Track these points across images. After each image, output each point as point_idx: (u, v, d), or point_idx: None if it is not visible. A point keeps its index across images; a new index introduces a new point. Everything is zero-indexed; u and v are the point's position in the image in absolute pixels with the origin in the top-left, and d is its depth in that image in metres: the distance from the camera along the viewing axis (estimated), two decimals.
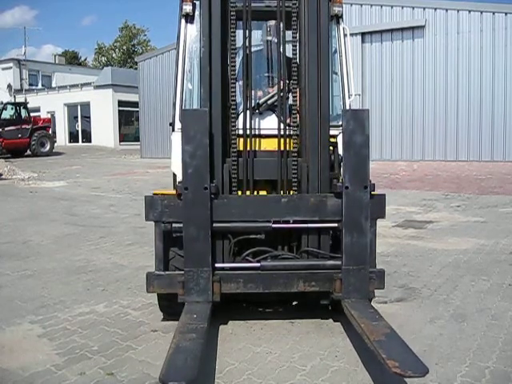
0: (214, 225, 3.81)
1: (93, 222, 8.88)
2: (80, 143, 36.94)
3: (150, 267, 5.68)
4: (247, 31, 4.15)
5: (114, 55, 57.94)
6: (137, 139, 30.23)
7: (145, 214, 3.80)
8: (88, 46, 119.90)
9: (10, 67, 40.45)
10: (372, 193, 3.83)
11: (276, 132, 4.05)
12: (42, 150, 27.17)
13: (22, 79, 40.87)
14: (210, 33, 3.98)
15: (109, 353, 3.61)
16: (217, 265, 3.88)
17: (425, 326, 4.10)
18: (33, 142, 26.77)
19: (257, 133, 4.22)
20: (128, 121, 37.32)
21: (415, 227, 8.14)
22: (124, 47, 56.78)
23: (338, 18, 4.66)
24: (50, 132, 29.14)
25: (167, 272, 3.92)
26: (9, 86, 38.32)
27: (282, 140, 4.02)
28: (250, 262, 3.94)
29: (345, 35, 4.78)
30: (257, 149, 4.15)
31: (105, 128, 35.12)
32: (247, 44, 4.19)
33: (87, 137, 37.12)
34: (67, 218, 9.41)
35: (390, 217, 8.66)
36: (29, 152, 27.01)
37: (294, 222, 3.92)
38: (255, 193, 4.08)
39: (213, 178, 3.84)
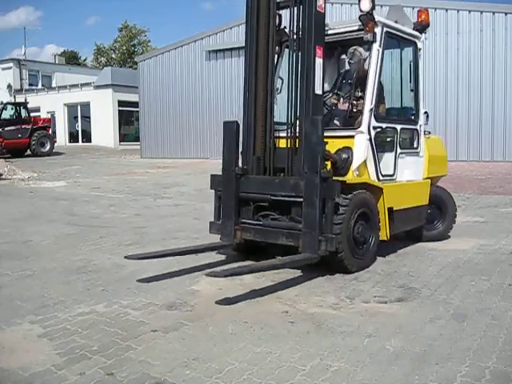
0: (239, 194, 5.82)
1: (93, 222, 8.88)
2: (80, 143, 36.94)
3: (150, 267, 5.71)
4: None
5: (113, 55, 57.93)
6: (137, 139, 30.24)
7: (210, 185, 6.19)
8: (91, 46, 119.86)
9: (10, 67, 40.46)
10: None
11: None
12: (42, 150, 27.15)
13: (21, 79, 40.87)
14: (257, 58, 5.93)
15: (109, 353, 3.60)
16: (240, 220, 5.86)
17: (425, 325, 4.09)
18: (33, 142, 26.76)
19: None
20: (128, 121, 37.32)
21: None
22: (124, 47, 56.75)
23: (370, 42, 6.03)
24: (50, 132, 29.11)
25: (217, 221, 6.05)
26: (9, 86, 38.33)
27: (289, 140, 5.75)
28: (259, 220, 5.81)
29: (418, 56, 6.84)
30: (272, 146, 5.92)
31: (105, 128, 35.13)
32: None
33: (87, 137, 37.12)
34: (67, 217, 9.41)
35: None
36: (29, 152, 27.00)
37: (283, 196, 5.55)
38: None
39: (244, 164, 5.92)
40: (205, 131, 25.04)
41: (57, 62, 48.17)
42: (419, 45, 6.90)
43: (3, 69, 40.37)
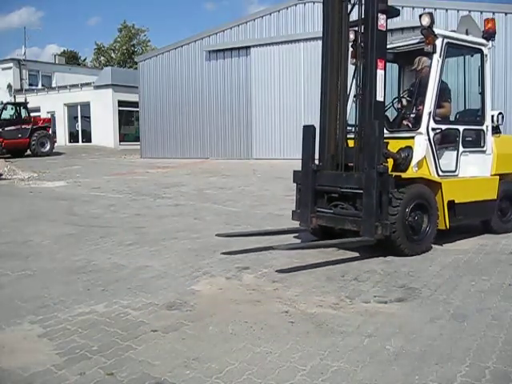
0: (315, 187, 6.73)
1: (93, 222, 8.88)
2: (80, 143, 36.96)
3: (150, 267, 5.71)
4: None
5: (112, 55, 57.93)
6: (137, 139, 30.24)
7: (292, 179, 7.13)
8: (91, 46, 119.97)
9: (10, 67, 40.47)
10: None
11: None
12: (42, 150, 27.16)
13: (21, 79, 40.88)
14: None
15: (109, 353, 3.61)
16: (316, 208, 6.75)
17: (425, 325, 4.09)
18: (33, 142, 26.77)
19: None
20: (128, 121, 37.34)
21: None
22: (124, 47, 56.75)
23: (431, 53, 6.80)
24: (50, 132, 29.13)
25: (297, 210, 6.98)
26: (9, 86, 38.34)
27: (356, 141, 6.55)
28: (330, 209, 6.68)
29: (485, 62, 7.48)
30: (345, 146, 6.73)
31: (105, 128, 35.14)
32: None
33: (87, 137, 37.13)
34: (67, 217, 9.41)
35: None
36: (29, 152, 27.01)
37: (349, 188, 6.44)
38: None
39: (320, 161, 6.80)
40: (205, 131, 25.05)
41: (57, 61, 48.18)
42: (485, 51, 7.51)
43: (3, 69, 40.39)
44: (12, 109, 27.57)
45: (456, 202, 6.92)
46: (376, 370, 3.33)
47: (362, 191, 6.17)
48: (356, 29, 6.74)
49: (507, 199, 7.90)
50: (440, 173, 6.90)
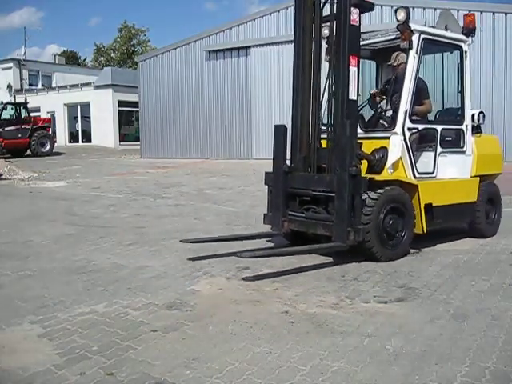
0: (287, 189, 6.49)
1: (93, 222, 8.88)
2: (80, 143, 36.96)
3: (150, 267, 5.71)
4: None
5: (112, 55, 57.93)
6: (137, 139, 30.24)
7: (264, 181, 6.87)
8: (92, 46, 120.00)
9: (10, 67, 40.48)
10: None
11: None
12: (42, 150, 27.16)
13: (22, 79, 40.89)
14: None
15: (109, 353, 3.61)
16: (288, 212, 6.50)
17: (425, 325, 4.09)
18: (33, 142, 26.76)
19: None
20: (128, 121, 37.34)
21: None
22: (123, 47, 56.75)
23: (407, 49, 6.54)
24: (50, 132, 29.12)
25: (269, 213, 6.71)
26: (9, 86, 38.35)
27: (328, 141, 6.35)
28: (302, 212, 6.43)
29: (464, 59, 7.26)
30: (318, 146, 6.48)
31: (105, 128, 35.15)
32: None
33: (87, 137, 37.13)
34: (67, 217, 9.42)
35: None
36: (29, 152, 27.00)
37: (321, 191, 6.20)
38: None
39: (292, 162, 6.57)
40: (205, 131, 25.04)
41: (57, 62, 48.18)
42: (465, 48, 7.26)
43: (3, 69, 40.40)
44: (12, 109, 27.56)
45: (434, 204, 6.67)
46: (376, 370, 3.33)
47: (333, 194, 5.98)
48: (330, 24, 6.47)
49: (490, 201, 7.68)
50: (417, 175, 6.64)
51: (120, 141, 35.70)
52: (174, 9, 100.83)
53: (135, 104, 29.31)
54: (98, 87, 35.48)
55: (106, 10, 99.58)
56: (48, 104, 36.64)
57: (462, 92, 7.31)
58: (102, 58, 58.69)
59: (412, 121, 6.57)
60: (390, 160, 6.42)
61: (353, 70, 6.08)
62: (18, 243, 7.17)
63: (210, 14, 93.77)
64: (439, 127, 6.96)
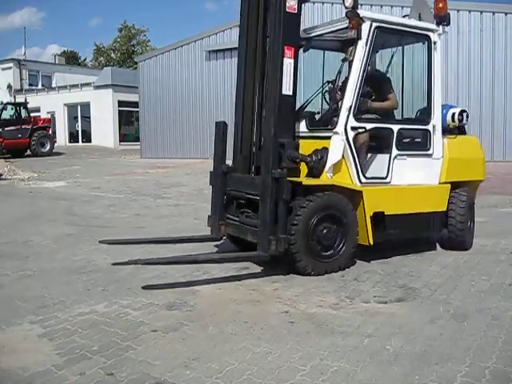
0: (225, 191, 6.19)
1: (93, 222, 8.88)
2: (80, 143, 36.97)
3: (151, 267, 5.69)
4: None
5: (112, 55, 57.95)
6: (137, 139, 30.25)
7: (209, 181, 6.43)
8: (91, 47, 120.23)
9: (10, 67, 40.49)
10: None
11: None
12: (42, 150, 27.17)
13: (22, 79, 40.90)
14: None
15: (109, 353, 3.61)
16: (226, 215, 6.19)
17: (425, 325, 4.10)
18: (33, 142, 26.77)
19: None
20: (128, 121, 37.35)
21: None
22: (123, 48, 56.77)
23: (356, 40, 5.87)
24: (50, 132, 29.12)
25: (211, 215, 6.30)
26: (9, 86, 38.37)
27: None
28: (238, 216, 6.06)
29: (433, 51, 6.44)
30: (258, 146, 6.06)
31: (105, 128, 35.15)
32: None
33: (87, 137, 37.14)
34: (67, 217, 9.42)
35: None
36: (29, 152, 27.01)
37: (252, 194, 5.80)
38: None
39: (233, 162, 6.32)
40: (205, 131, 25.02)
41: (57, 62, 48.20)
42: (434, 38, 6.45)
43: (3, 69, 40.41)
44: (12, 109, 27.57)
45: (387, 213, 5.96)
46: (376, 370, 3.33)
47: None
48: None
49: (470, 210, 6.83)
50: (363, 179, 5.90)
51: (120, 141, 35.71)
52: (173, 9, 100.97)
53: (135, 104, 29.32)
54: (97, 87, 35.49)
55: (106, 10, 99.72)
56: (48, 104, 36.66)
57: (429, 88, 6.49)
58: (102, 58, 58.70)
59: (358, 119, 5.88)
60: (329, 162, 5.76)
61: (288, 62, 5.56)
62: (17, 243, 7.17)
63: (209, 13, 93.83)
64: (395, 127, 6.17)
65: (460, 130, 6.99)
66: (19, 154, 25.98)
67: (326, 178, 5.75)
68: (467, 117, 6.87)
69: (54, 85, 41.49)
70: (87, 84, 36.47)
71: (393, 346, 3.68)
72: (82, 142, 37.31)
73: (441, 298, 4.74)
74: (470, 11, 17.94)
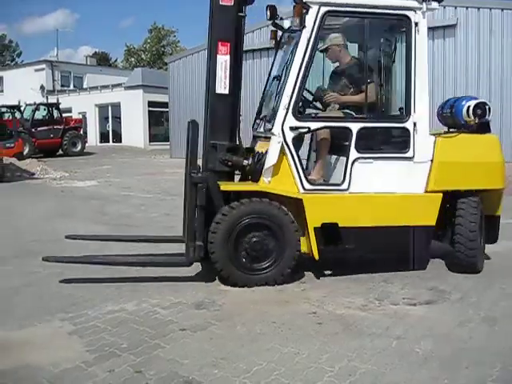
0: None
1: (123, 221, 8.96)
2: (110, 143, 37.31)
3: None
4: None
5: (143, 56, 58.45)
6: (166, 139, 30.39)
7: None
8: (123, 48, 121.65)
9: (43, 69, 41.04)
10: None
11: None
12: (74, 150, 27.51)
13: (54, 80, 41.44)
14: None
15: (137, 351, 3.64)
16: None
17: (455, 328, 4.05)
18: (65, 142, 27.12)
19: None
20: (158, 121, 37.57)
21: None
22: (154, 48, 57.21)
23: (300, 29, 5.24)
24: (82, 132, 29.48)
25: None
26: (41, 87, 38.90)
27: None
28: None
29: (413, 33, 5.37)
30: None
31: (135, 128, 35.42)
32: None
33: (117, 137, 37.48)
34: (98, 216, 9.52)
35: None
36: (61, 152, 27.38)
37: None
38: None
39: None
40: None
41: (88, 63, 48.77)
42: (415, 18, 5.36)
43: (36, 70, 40.99)
44: (44, 109, 27.97)
45: (341, 225, 5.24)
46: (404, 372, 3.30)
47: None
48: None
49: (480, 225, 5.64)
50: (307, 186, 5.26)
51: (150, 141, 35.95)
52: (203, 10, 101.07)
53: (165, 104, 29.46)
54: (128, 88, 35.79)
55: (137, 11, 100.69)
56: (79, 105, 37.09)
57: (408, 79, 5.44)
58: (133, 59, 59.20)
59: (299, 118, 5.28)
60: (265, 166, 5.25)
61: (222, 58, 5.30)
62: (48, 241, 7.27)
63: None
64: (355, 126, 5.33)
65: (481, 127, 5.81)
66: (51, 153, 26.35)
67: (263, 183, 5.29)
68: (489, 111, 5.71)
69: (85, 86, 41.98)
70: (118, 85, 36.81)
71: (422, 349, 3.64)
72: (113, 142, 37.66)
73: (471, 301, 4.67)
74: (502, 9, 17.56)
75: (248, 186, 5.38)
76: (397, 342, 3.77)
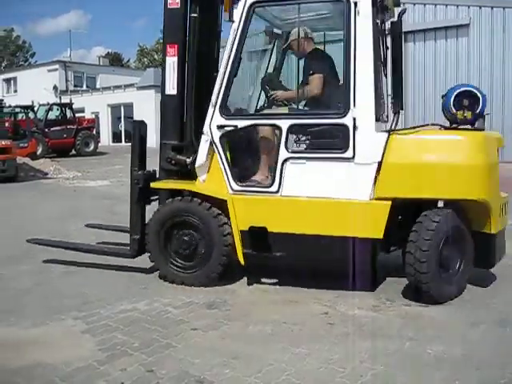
0: None
1: None
2: (123, 143, 37.43)
3: None
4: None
5: (155, 56, 58.64)
6: None
7: None
8: (135, 48, 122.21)
9: (56, 69, 41.31)
10: None
11: None
12: (86, 150, 27.62)
13: (67, 81, 41.69)
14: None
15: (149, 350, 3.66)
16: None
17: (467, 330, 4.03)
18: (77, 142, 27.24)
19: None
20: None
21: None
22: None
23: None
24: (94, 132, 29.63)
25: None
26: (55, 88, 39.14)
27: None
28: None
29: (353, 15, 4.67)
30: None
31: (147, 128, 35.54)
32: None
33: (130, 137, 37.59)
34: (109, 216, 9.54)
35: None
36: (73, 152, 27.52)
37: None
38: None
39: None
40: None
41: (101, 63, 49.01)
42: None
43: (49, 70, 41.26)
44: (57, 109, 28.13)
45: (270, 230, 4.90)
46: (415, 373, 3.30)
47: None
48: None
49: (448, 243, 4.61)
50: (235, 187, 5.03)
51: None
52: None
53: None
54: (140, 88, 35.90)
55: (149, 11, 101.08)
56: (92, 105, 37.28)
57: (346, 68, 4.73)
58: (146, 60, 59.44)
59: (227, 116, 5.07)
60: (195, 165, 5.23)
61: (170, 60, 5.33)
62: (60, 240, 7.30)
63: None
64: (284, 122, 4.90)
65: (473, 122, 5.00)
66: (64, 153, 26.48)
67: (198, 182, 5.25)
68: (483, 102, 4.95)
69: (98, 86, 42.20)
70: (130, 85, 36.94)
71: (433, 350, 3.63)
72: (125, 141, 37.75)
73: (483, 303, 4.64)
74: (481, 7, 17.54)
75: (173, 185, 5.43)
76: (408, 343, 3.75)
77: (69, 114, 27.85)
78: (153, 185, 5.40)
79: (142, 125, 5.79)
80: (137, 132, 5.74)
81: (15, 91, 42.04)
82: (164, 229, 5.19)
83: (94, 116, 34.54)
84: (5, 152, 15.21)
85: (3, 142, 15.42)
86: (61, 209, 10.47)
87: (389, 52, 5.11)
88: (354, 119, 4.65)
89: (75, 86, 42.29)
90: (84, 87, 42.49)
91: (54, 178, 16.81)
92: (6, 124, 20.65)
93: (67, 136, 26.72)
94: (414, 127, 5.03)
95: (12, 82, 43.27)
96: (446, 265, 4.65)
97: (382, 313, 4.40)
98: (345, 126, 4.68)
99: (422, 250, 4.45)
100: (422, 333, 3.95)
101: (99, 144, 29.87)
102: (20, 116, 25.43)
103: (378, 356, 3.54)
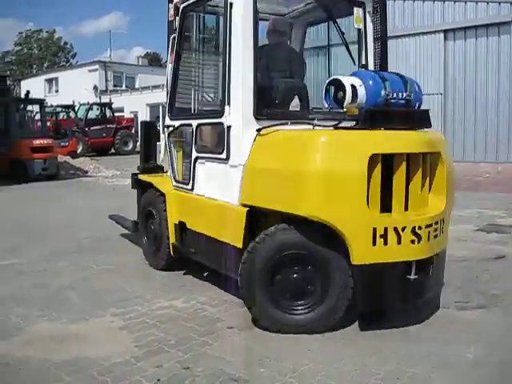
0: None
1: None
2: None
3: None
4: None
5: None
6: None
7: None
8: None
9: (96, 69, 41.93)
10: None
11: None
12: (125, 149, 27.99)
13: (107, 81, 42.28)
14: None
15: (185, 347, 3.70)
16: None
17: (506, 334, 3.95)
18: (116, 141, 27.63)
19: None
20: None
21: (499, 232, 7.79)
22: None
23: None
24: (133, 131, 30.00)
25: None
26: (95, 87, 39.75)
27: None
28: None
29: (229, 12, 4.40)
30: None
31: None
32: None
33: None
34: None
35: (472, 220, 8.38)
36: (113, 151, 27.92)
37: None
38: None
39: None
40: None
41: (140, 63, 49.57)
42: None
43: (90, 71, 41.92)
44: (97, 109, 28.59)
45: (187, 226, 5.06)
46: (452, 377, 3.25)
47: None
48: None
49: (298, 263, 3.92)
50: (173, 182, 5.39)
51: None
52: None
53: None
54: None
55: None
56: (131, 104, 37.71)
57: (223, 66, 4.49)
58: None
59: (172, 116, 5.38)
60: (159, 160, 6.23)
61: (169, 67, 5.50)
62: (100, 238, 7.41)
63: None
64: (194, 122, 4.98)
65: (368, 120, 3.93)
66: (103, 152, 26.90)
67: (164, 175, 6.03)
68: (353, 94, 4.04)
69: (137, 86, 42.70)
70: None
71: (472, 354, 3.57)
72: None
73: None
74: (487, 3, 17.10)
75: (144, 177, 6.09)
76: (446, 347, 3.70)
77: (108, 113, 28.27)
78: (140, 177, 6.19)
79: (149, 125, 6.91)
80: (143, 131, 6.69)
81: (56, 91, 42.83)
82: (143, 214, 6.08)
83: (132, 115, 34.92)
84: (47, 151, 15.53)
85: (45, 141, 15.74)
86: (101, 206, 10.61)
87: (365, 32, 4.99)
88: (227, 118, 4.43)
89: (115, 85, 42.84)
90: (123, 87, 43.00)
91: (93, 177, 17.10)
92: (48, 123, 21.06)
93: (106, 135, 27.13)
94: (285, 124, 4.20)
95: (54, 82, 44.08)
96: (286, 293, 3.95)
97: (419, 316, 4.33)
98: (221, 126, 4.50)
99: (246, 270, 3.99)
100: (460, 336, 3.89)
101: (137, 143, 30.21)
102: (61, 115, 25.97)
103: (414, 359, 3.50)
